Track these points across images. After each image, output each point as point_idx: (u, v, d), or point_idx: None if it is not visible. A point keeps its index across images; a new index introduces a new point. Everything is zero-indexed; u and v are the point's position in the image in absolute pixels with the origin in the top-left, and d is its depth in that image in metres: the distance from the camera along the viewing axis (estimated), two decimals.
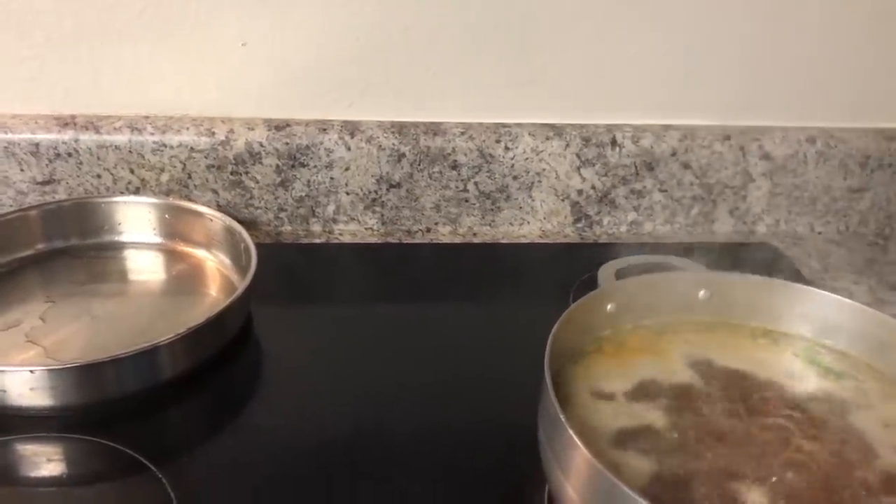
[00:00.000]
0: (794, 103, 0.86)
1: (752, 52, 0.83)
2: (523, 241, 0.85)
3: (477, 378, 0.64)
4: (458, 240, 0.85)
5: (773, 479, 0.47)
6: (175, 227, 0.75)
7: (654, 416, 0.51)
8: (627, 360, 0.56)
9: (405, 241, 0.84)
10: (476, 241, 0.85)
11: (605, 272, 0.62)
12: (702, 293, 0.60)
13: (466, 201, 0.84)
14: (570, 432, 0.44)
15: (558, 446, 0.46)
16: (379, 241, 0.83)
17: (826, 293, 0.59)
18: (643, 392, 0.53)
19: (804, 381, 0.56)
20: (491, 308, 0.74)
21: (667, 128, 0.84)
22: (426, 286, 0.78)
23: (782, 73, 0.85)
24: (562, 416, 0.44)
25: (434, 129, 0.81)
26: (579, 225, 0.87)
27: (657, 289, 0.59)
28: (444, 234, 0.85)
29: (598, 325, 0.58)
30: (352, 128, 0.80)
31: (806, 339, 0.59)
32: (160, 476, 0.52)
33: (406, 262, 0.81)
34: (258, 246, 0.68)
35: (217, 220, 0.73)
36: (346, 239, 0.83)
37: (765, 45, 0.83)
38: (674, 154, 0.84)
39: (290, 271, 0.78)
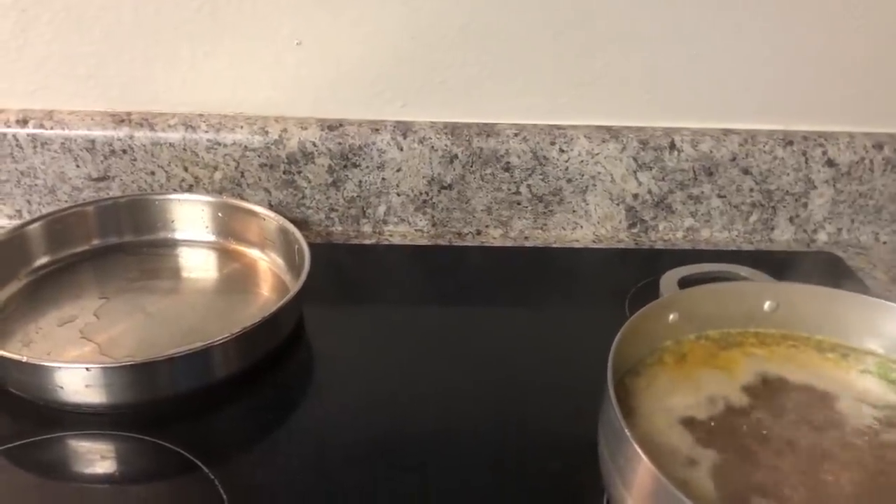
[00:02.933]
0: (860, 107, 0.83)
1: (816, 54, 0.80)
2: (576, 245, 0.84)
3: (529, 383, 0.63)
4: (508, 243, 0.83)
5: None
6: (228, 225, 0.75)
7: (717, 432, 0.50)
8: (690, 373, 0.54)
9: (455, 244, 0.83)
10: (527, 244, 0.83)
11: (668, 280, 0.60)
12: (767, 304, 0.58)
13: (518, 204, 0.83)
14: (636, 447, 0.42)
15: (622, 460, 0.45)
16: (429, 243, 0.82)
17: None
18: (706, 407, 0.51)
19: (878, 399, 0.53)
20: (543, 313, 0.73)
21: (727, 132, 0.82)
22: (476, 289, 0.76)
23: (847, 76, 0.82)
24: (627, 432, 0.43)
25: (487, 130, 0.80)
26: (634, 230, 0.85)
27: (721, 299, 0.57)
28: (495, 237, 0.84)
29: (659, 336, 0.56)
30: (404, 128, 0.79)
31: (877, 355, 0.56)
32: (212, 476, 0.52)
33: (456, 265, 0.80)
34: (309, 246, 0.67)
35: (271, 219, 0.72)
36: (396, 240, 0.82)
37: (829, 47, 0.80)
38: (733, 159, 0.82)
39: (341, 272, 0.78)
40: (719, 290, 0.57)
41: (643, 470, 0.43)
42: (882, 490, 0.46)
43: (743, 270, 0.62)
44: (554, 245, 0.83)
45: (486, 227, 0.84)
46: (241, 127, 0.78)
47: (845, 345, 0.57)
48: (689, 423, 0.50)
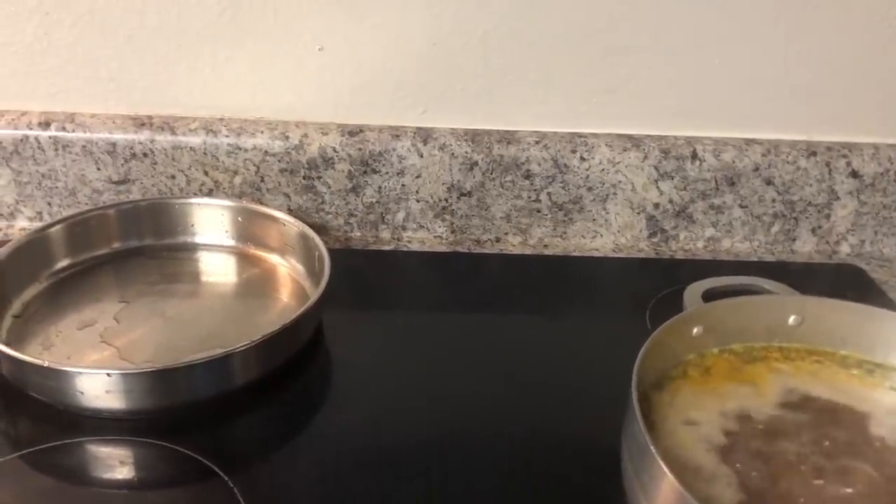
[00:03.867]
0: (885, 118, 0.82)
1: (841, 63, 0.80)
2: (595, 254, 0.83)
3: (548, 393, 0.63)
4: (528, 251, 0.83)
5: None
6: (248, 230, 0.75)
7: (741, 448, 0.49)
8: (714, 388, 0.53)
9: (474, 251, 0.82)
10: (547, 252, 0.83)
11: (692, 293, 0.59)
12: (792, 318, 0.57)
13: (538, 212, 0.82)
14: (661, 464, 0.42)
15: (646, 477, 0.44)
16: (447, 250, 0.82)
17: None
18: (731, 423, 0.51)
19: None
20: (562, 322, 0.72)
21: (749, 142, 0.81)
22: (495, 297, 0.76)
23: (873, 87, 0.81)
24: (653, 449, 0.42)
25: (508, 137, 0.80)
26: (654, 239, 0.84)
27: (745, 312, 0.57)
28: (514, 245, 0.83)
29: (683, 349, 0.55)
30: (425, 135, 0.79)
31: None
32: (231, 483, 0.52)
33: (474, 272, 0.80)
34: (328, 252, 0.67)
35: (291, 225, 0.72)
36: (415, 247, 0.82)
37: (854, 56, 0.79)
38: (756, 169, 0.81)
39: (359, 277, 0.78)
40: (744, 303, 0.57)
41: (667, 487, 0.42)
42: None
43: (767, 284, 0.61)
44: (573, 253, 0.83)
45: (506, 234, 0.84)
46: (262, 132, 0.78)
47: (871, 360, 0.56)
48: (713, 438, 0.49)
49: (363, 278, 0.78)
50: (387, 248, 0.82)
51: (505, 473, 0.55)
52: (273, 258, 0.74)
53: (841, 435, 0.51)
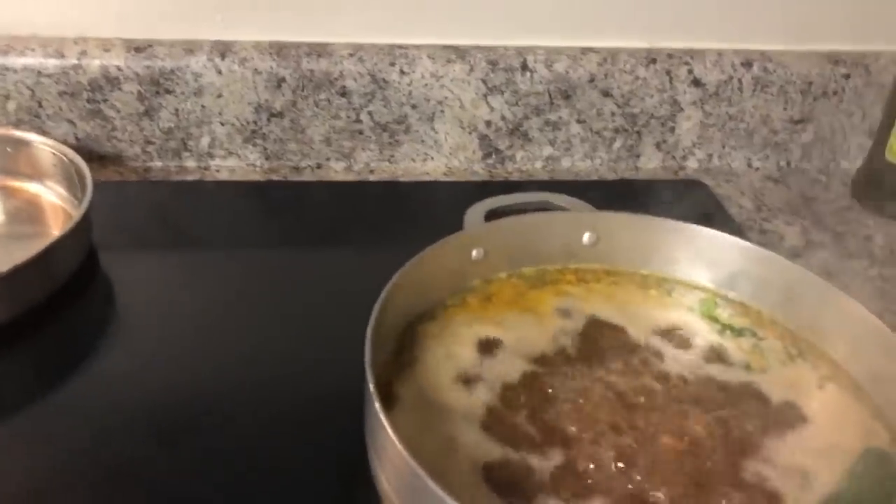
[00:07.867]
0: (727, 23, 0.76)
1: None
2: (426, 178, 0.77)
3: (356, 331, 0.56)
4: (352, 177, 0.76)
5: (645, 459, 0.40)
6: (8, 160, 0.66)
7: (514, 382, 0.44)
8: (492, 316, 0.48)
9: (292, 179, 0.75)
10: (373, 178, 0.76)
11: (473, 214, 0.53)
12: (586, 236, 0.52)
13: (360, 133, 0.75)
14: (396, 441, 0.35)
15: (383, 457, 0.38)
16: (262, 179, 0.74)
17: (729, 236, 0.51)
18: (504, 353, 0.45)
19: (697, 340, 0.48)
20: (385, 254, 0.65)
21: (584, 51, 0.75)
22: (315, 229, 0.69)
23: None
24: (386, 424, 0.36)
25: (318, 50, 0.72)
26: (489, 161, 0.78)
27: (533, 232, 0.51)
28: (338, 171, 0.76)
29: (464, 275, 0.50)
30: (223, 48, 0.70)
31: (705, 290, 0.51)
32: None
33: (294, 202, 0.73)
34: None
35: (47, 148, 0.63)
36: (225, 176, 0.74)
37: None
38: (592, 80, 0.75)
39: (159, 213, 0.69)
40: (529, 221, 0.51)
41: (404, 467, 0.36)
42: (683, 449, 0.41)
43: (560, 199, 0.55)
44: (402, 179, 0.76)
45: (327, 160, 0.76)
46: (33, 49, 0.68)
47: (672, 278, 0.52)
48: (471, 372, 0.44)
49: (162, 212, 0.70)
50: (192, 178, 0.74)
51: (280, 413, 0.49)
52: (33, 188, 0.65)
53: (629, 364, 0.46)
